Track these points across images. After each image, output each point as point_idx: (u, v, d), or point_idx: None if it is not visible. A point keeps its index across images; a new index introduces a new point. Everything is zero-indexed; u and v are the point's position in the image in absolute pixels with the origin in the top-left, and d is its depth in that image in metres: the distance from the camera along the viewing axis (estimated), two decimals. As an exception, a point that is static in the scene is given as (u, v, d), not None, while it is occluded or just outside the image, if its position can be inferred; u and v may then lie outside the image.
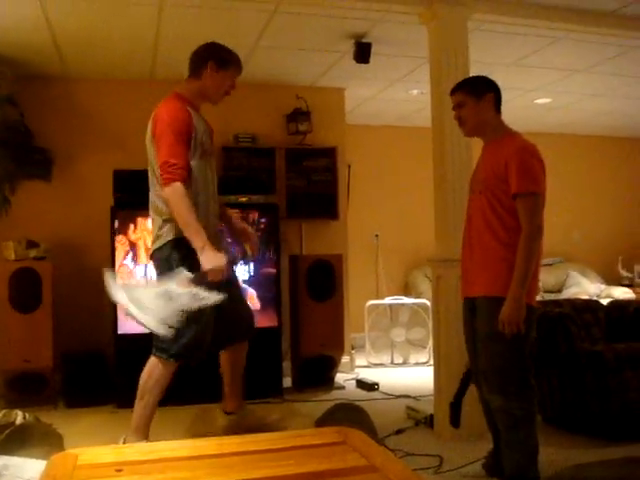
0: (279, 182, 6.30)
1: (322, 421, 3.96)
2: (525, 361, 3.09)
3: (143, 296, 2.95)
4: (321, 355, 5.71)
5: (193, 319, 3.16)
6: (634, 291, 8.56)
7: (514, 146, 3.13)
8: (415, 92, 6.83)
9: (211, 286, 3.08)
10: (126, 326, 5.09)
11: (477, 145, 3.55)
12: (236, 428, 3.73)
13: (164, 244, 3.43)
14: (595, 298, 7.62)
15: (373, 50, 5.27)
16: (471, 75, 3.71)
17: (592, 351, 3.97)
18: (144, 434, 3.47)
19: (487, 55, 5.66)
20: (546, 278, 8.32)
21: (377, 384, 5.66)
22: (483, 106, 3.30)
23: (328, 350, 5.73)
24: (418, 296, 7.52)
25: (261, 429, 3.63)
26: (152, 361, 3.53)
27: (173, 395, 5.07)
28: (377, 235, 8.08)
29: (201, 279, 3.14)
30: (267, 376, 5.37)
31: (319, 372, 5.74)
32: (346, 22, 4.90)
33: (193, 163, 3.43)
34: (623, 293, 8.26)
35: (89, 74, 5.96)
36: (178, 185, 3.28)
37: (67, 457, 1.92)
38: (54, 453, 2.05)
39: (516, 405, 3.06)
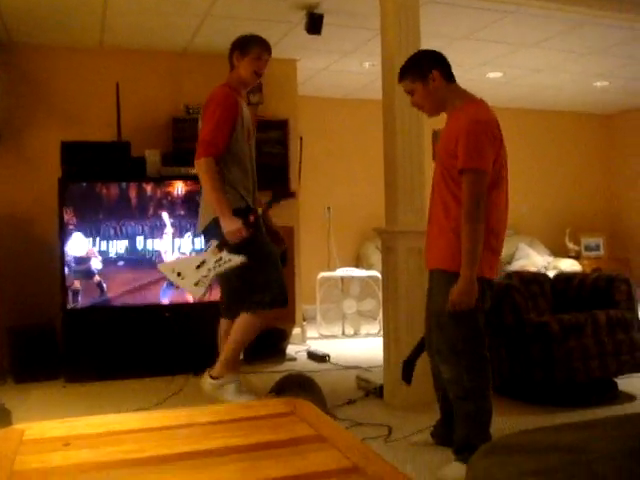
0: (230, 154, 6.25)
1: (272, 392, 3.99)
2: (477, 334, 3.10)
3: (184, 266, 3.65)
4: (272, 327, 5.71)
5: (270, 267, 3.82)
6: (580, 263, 8.76)
7: (466, 120, 3.03)
8: (367, 64, 6.82)
9: (234, 249, 3.61)
10: (75, 300, 5.04)
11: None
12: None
13: (208, 223, 3.81)
14: (543, 270, 7.80)
15: (326, 21, 5.24)
16: (422, 49, 3.66)
17: (538, 322, 4.06)
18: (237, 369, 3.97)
19: (441, 28, 5.68)
20: (495, 250, 8.45)
21: (328, 355, 5.71)
22: (433, 85, 3.19)
23: (279, 322, 5.74)
24: (369, 268, 7.57)
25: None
26: (245, 317, 3.83)
27: (124, 368, 5.10)
28: (329, 208, 8.09)
29: (223, 243, 3.63)
30: (213, 348, 5.36)
31: (270, 344, 5.74)
32: (299, -8, 4.87)
33: (239, 145, 3.80)
34: (570, 265, 8.44)
35: (34, 40, 5.77)
36: (206, 160, 3.70)
37: (12, 432, 1.89)
38: (1, 429, 2.03)
39: (467, 377, 3.08)
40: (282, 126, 6.43)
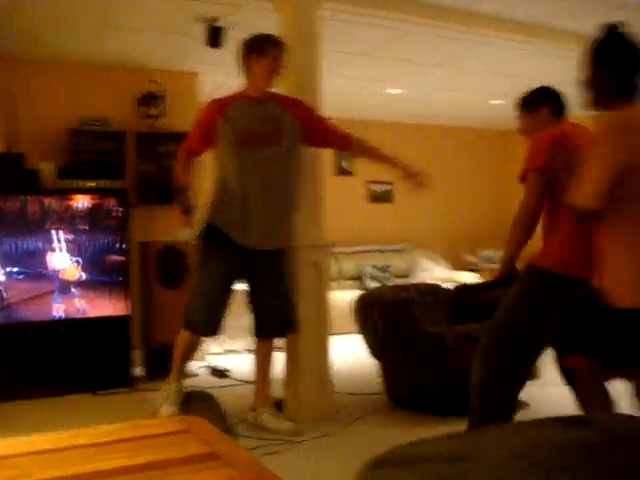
0: (129, 167, 6.14)
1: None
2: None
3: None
4: (173, 343, 5.61)
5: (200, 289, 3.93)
6: (479, 275, 9.01)
7: None
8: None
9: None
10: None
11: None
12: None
13: None
14: (441, 282, 7.97)
15: (228, 35, 5.23)
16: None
17: (433, 333, 4.15)
18: None
19: (342, 44, 5.75)
20: (397, 263, 8.62)
21: (229, 370, 5.65)
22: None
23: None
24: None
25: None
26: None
27: (19, 388, 4.90)
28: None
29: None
30: (115, 366, 5.24)
31: (171, 360, 5.63)
32: (199, 5, 4.84)
33: (222, 151, 3.90)
34: (469, 277, 8.66)
35: None
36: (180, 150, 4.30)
37: None
38: None
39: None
40: (183, 139, 6.31)
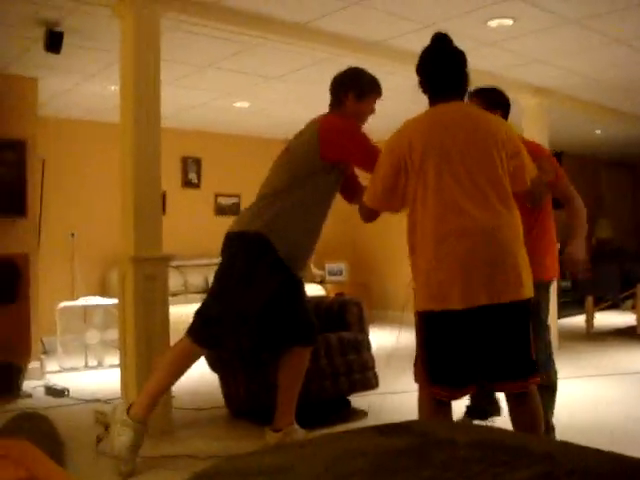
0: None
1: (1, 434, 3.70)
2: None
3: None
4: (4, 362, 5.32)
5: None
6: (325, 287, 9.18)
7: None
8: (113, 88, 6.65)
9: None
10: None
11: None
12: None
13: None
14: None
15: (68, 41, 5.04)
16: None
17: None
18: None
19: (185, 56, 5.70)
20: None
21: (67, 389, 5.42)
22: None
23: (12, 357, 5.37)
24: (116, 296, 7.33)
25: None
26: None
27: None
28: (73, 234, 7.75)
29: None
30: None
31: (3, 380, 5.34)
32: (38, 8, 4.62)
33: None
34: (315, 290, 8.80)
35: None
36: None
37: None
38: None
39: None
40: (19, 147, 6.04)
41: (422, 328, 2.80)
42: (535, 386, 2.79)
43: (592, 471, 1.56)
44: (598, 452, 1.74)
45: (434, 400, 2.79)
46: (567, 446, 1.85)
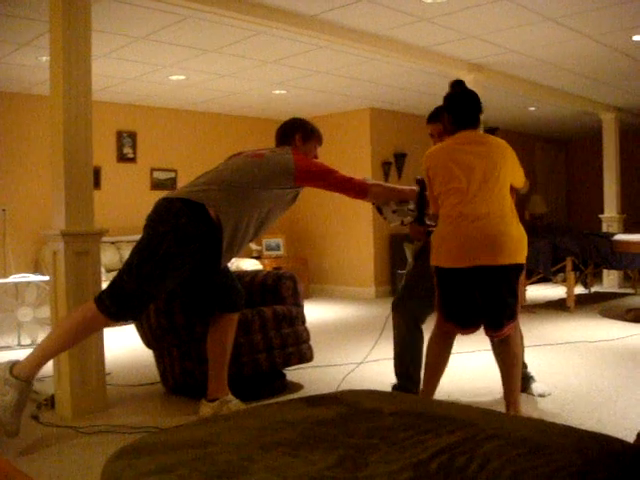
0: None
1: None
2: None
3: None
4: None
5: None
6: (262, 262, 9.18)
7: None
8: (45, 59, 6.47)
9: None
10: None
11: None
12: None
13: None
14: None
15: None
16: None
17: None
18: None
19: (120, 26, 5.58)
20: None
21: (-1, 367, 5.31)
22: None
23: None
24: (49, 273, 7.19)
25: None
26: None
27: None
28: (4, 210, 7.55)
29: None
30: None
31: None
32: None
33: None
34: (252, 264, 8.80)
35: None
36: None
37: None
38: None
39: None
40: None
41: (437, 279, 3.63)
42: (514, 329, 3.57)
43: (511, 435, 1.62)
44: (517, 418, 1.81)
45: (444, 334, 3.69)
46: (489, 413, 1.92)
